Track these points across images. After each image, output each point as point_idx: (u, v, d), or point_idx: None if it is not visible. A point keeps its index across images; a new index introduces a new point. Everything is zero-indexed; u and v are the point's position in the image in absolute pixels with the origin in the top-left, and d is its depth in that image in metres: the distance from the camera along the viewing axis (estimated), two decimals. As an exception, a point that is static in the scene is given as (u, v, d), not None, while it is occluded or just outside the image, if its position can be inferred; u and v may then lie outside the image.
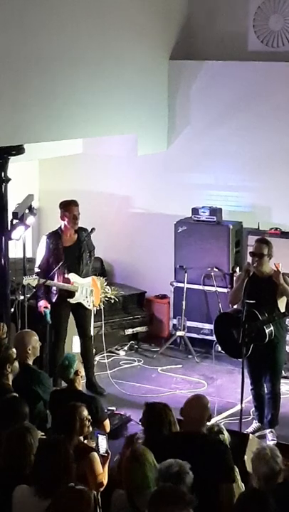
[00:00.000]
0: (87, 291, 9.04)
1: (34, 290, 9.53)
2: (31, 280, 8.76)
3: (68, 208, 8.98)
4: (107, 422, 6.73)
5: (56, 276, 8.85)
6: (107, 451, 5.85)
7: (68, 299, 8.92)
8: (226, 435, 5.86)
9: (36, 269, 8.97)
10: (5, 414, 5.68)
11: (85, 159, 11.09)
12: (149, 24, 10.30)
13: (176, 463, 4.83)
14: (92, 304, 9.12)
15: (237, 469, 5.56)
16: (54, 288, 8.88)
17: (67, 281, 8.89)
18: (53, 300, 8.90)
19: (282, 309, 7.95)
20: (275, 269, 8.17)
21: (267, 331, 7.76)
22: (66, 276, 8.88)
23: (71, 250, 8.98)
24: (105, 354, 9.88)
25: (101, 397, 8.60)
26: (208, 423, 5.70)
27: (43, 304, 8.81)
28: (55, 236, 8.98)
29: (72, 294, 8.92)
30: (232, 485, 5.27)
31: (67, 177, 11.42)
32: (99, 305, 9.55)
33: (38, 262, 9.04)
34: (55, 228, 9.13)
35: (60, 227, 9.04)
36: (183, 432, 5.61)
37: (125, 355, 10.25)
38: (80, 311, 9.08)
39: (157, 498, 4.25)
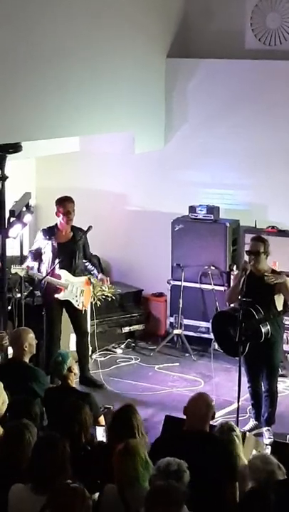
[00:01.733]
0: (78, 290, 9.03)
1: (31, 288, 9.54)
2: (19, 270, 8.78)
3: (62, 203, 9.05)
4: (102, 419, 6.73)
5: (46, 271, 8.89)
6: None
7: (55, 295, 8.91)
8: (238, 432, 5.83)
9: (30, 262, 8.95)
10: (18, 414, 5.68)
11: (81, 157, 11.08)
12: (146, 22, 10.30)
13: (174, 461, 4.83)
14: (81, 304, 9.09)
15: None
16: (42, 283, 8.90)
17: (58, 277, 8.90)
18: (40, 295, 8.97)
19: (280, 307, 7.96)
20: (273, 267, 8.19)
21: (263, 329, 7.76)
22: (57, 272, 8.89)
23: (65, 247, 9.00)
24: (99, 352, 9.88)
25: (100, 392, 8.63)
26: (212, 421, 5.68)
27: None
28: (50, 231, 9.04)
29: (59, 290, 8.91)
30: (235, 484, 5.26)
31: (64, 175, 11.41)
32: (95, 303, 9.56)
33: (28, 257, 9.05)
34: (47, 226, 9.19)
35: (56, 224, 9.07)
36: (186, 431, 5.58)
37: (122, 353, 10.25)
38: (71, 308, 9.09)
39: (155, 495, 4.26)
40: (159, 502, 4.27)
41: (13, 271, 8.84)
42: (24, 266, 8.86)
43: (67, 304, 9.06)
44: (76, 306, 9.06)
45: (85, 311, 9.24)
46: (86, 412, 5.81)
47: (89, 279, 9.25)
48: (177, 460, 4.83)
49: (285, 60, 10.15)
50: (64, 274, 8.94)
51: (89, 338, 9.40)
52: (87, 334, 9.33)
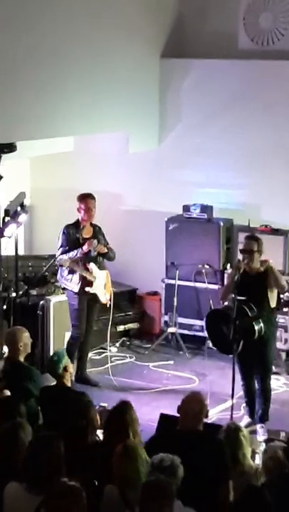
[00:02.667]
0: (102, 284, 9.14)
1: (26, 288, 9.58)
2: (66, 261, 8.86)
3: (84, 200, 9.13)
4: (97, 418, 6.75)
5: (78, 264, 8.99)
6: None
7: (87, 288, 9.00)
8: (245, 432, 5.87)
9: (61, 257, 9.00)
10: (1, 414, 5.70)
11: (76, 157, 11.11)
12: (140, 22, 10.33)
13: (167, 457, 4.86)
14: (104, 298, 9.21)
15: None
16: (76, 278, 8.96)
17: (88, 270, 8.99)
18: (75, 290, 8.99)
19: (273, 304, 8.01)
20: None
21: (256, 327, 7.80)
22: (87, 265, 8.99)
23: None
24: (93, 351, 9.91)
25: (95, 391, 8.66)
26: (206, 420, 5.72)
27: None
28: (74, 227, 9.11)
29: (90, 283, 9.01)
30: (229, 483, 5.29)
31: (58, 175, 11.44)
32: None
33: (58, 253, 9.06)
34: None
35: (77, 219, 9.15)
36: (180, 430, 5.61)
37: (117, 352, 10.28)
38: (91, 302, 9.17)
39: (146, 491, 4.32)
40: (151, 497, 4.33)
41: (57, 262, 8.96)
42: (67, 257, 8.90)
43: (90, 299, 9.14)
44: (102, 299, 9.17)
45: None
46: (94, 411, 5.84)
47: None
48: (170, 456, 4.86)
49: (278, 59, 10.19)
50: (93, 267, 9.04)
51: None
52: (92, 332, 9.41)
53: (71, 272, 9.02)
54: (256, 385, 8.17)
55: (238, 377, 7.97)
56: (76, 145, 10.73)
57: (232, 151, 10.53)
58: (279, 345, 9.66)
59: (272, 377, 8.49)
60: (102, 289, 9.20)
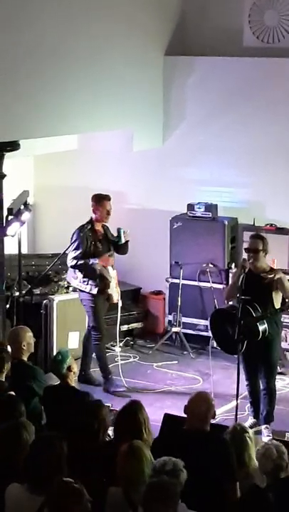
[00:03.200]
0: (114, 283, 9.14)
1: (29, 287, 9.53)
2: (99, 265, 8.85)
3: (102, 202, 9.10)
4: (108, 418, 6.70)
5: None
6: None
7: (105, 290, 8.98)
8: (251, 433, 5.83)
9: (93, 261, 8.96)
10: (1, 413, 5.66)
11: (80, 155, 11.07)
12: (144, 20, 10.29)
13: (170, 460, 4.82)
14: (116, 297, 9.21)
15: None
16: (91, 280, 8.94)
17: (106, 270, 9.01)
18: (94, 292, 8.94)
19: (277, 305, 7.96)
20: (272, 265, 8.18)
21: (260, 328, 7.75)
22: (107, 266, 9.01)
23: (104, 241, 9.13)
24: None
25: (98, 391, 8.63)
26: (213, 420, 5.67)
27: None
28: (89, 227, 9.05)
29: (108, 284, 9.00)
30: (236, 484, 5.25)
31: (62, 173, 11.41)
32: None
33: (73, 254, 8.96)
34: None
35: (91, 219, 9.09)
36: (186, 430, 5.56)
37: (121, 351, 10.24)
38: (105, 304, 9.17)
39: (149, 492, 4.29)
40: (154, 497, 4.30)
41: (96, 265, 8.90)
42: (76, 253, 8.87)
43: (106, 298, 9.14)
44: (115, 299, 9.17)
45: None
46: (106, 413, 5.80)
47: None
48: (173, 459, 4.82)
49: (283, 57, 10.15)
50: (109, 268, 9.04)
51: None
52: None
53: (87, 275, 8.93)
54: (261, 386, 8.12)
55: (242, 377, 7.92)
56: (80, 143, 10.70)
57: (236, 148, 10.48)
58: (284, 345, 9.62)
59: (277, 377, 8.45)
60: (115, 288, 9.17)
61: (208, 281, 10.28)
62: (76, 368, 6.92)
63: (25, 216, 8.86)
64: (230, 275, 9.89)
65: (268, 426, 8.04)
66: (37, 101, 8.66)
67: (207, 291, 10.31)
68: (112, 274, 9.12)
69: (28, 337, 7.16)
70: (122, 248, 9.26)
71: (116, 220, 11.08)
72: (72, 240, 9.02)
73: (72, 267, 9.08)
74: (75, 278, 9.11)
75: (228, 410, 8.24)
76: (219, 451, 5.28)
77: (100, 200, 9.12)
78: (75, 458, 4.97)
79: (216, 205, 10.38)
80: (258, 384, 8.14)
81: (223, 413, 8.19)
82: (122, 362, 9.78)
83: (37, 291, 9.75)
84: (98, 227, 9.13)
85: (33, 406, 6.71)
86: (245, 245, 8.40)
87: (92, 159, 11.17)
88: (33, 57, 8.53)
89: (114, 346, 10.38)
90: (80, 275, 9.02)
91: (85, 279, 8.98)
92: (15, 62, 8.34)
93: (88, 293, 9.02)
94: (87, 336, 9.31)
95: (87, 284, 8.98)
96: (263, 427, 8.05)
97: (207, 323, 9.14)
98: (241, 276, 7.75)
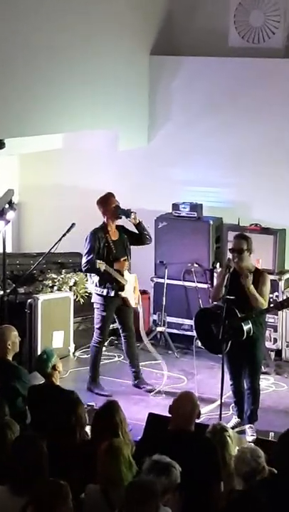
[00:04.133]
0: (132, 287, 9.07)
1: (14, 286, 9.51)
2: (102, 264, 8.74)
3: (108, 201, 8.96)
4: (85, 416, 6.70)
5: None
6: None
7: (119, 292, 8.90)
8: (231, 432, 5.83)
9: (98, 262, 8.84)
10: None
11: (65, 154, 11.06)
12: (130, 19, 10.29)
13: (163, 458, 4.81)
14: (133, 302, 9.13)
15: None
16: (109, 282, 8.84)
17: (121, 273, 8.91)
18: (111, 294, 8.86)
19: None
20: (256, 264, 8.19)
21: (245, 328, 7.76)
22: (122, 271, 8.91)
23: (119, 244, 9.00)
24: (81, 350, 9.85)
25: (83, 390, 8.61)
26: (197, 420, 5.67)
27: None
28: (102, 231, 8.95)
29: (122, 287, 8.92)
30: (220, 483, 5.25)
31: (47, 172, 11.39)
32: (78, 301, 9.53)
33: (85, 259, 8.85)
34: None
35: (104, 223, 9.00)
36: (171, 430, 5.56)
37: (105, 351, 10.21)
38: (122, 307, 9.06)
39: (130, 492, 4.28)
40: (135, 498, 4.28)
41: (97, 266, 8.74)
42: (89, 258, 8.76)
43: (122, 303, 9.04)
44: (132, 303, 9.08)
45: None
46: (83, 409, 5.80)
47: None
48: (163, 457, 4.81)
49: (268, 57, 10.17)
50: (125, 271, 8.95)
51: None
52: (134, 335, 9.32)
53: (103, 278, 8.86)
54: (245, 385, 8.13)
55: (226, 376, 7.93)
56: (65, 142, 10.69)
57: (221, 149, 10.50)
58: (268, 344, 9.65)
59: (262, 377, 8.47)
60: (132, 292, 9.08)
61: (193, 281, 10.29)
62: (61, 367, 6.90)
63: (10, 215, 8.85)
64: (215, 275, 9.90)
65: (252, 425, 8.04)
66: (22, 100, 8.65)
67: (192, 290, 10.32)
68: (129, 278, 9.01)
69: (14, 336, 7.15)
70: (141, 238, 9.07)
71: (101, 219, 11.09)
72: (85, 245, 8.92)
73: (85, 271, 9.03)
74: (92, 283, 9.05)
75: (213, 410, 8.25)
76: (204, 451, 5.28)
77: (105, 201, 8.98)
78: (53, 456, 4.97)
79: (201, 205, 10.39)
80: (242, 384, 8.15)
81: (207, 413, 8.19)
82: (107, 361, 9.78)
83: (21, 290, 9.73)
84: (112, 229, 8.99)
85: (16, 406, 6.70)
86: (230, 245, 8.40)
87: (78, 158, 11.15)
88: (19, 57, 8.52)
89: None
90: (95, 279, 8.94)
91: (101, 283, 8.90)
92: (1, 61, 8.32)
93: (102, 296, 8.91)
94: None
95: (104, 287, 8.90)
96: (247, 426, 8.06)
97: (192, 322, 9.14)
98: (226, 276, 7.76)
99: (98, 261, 8.76)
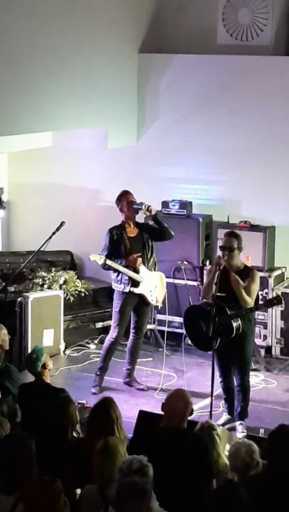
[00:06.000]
0: (152, 285, 9.02)
1: (4, 284, 9.51)
2: (98, 258, 8.74)
3: (123, 198, 8.97)
4: (76, 414, 6.71)
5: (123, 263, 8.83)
6: None
7: (132, 288, 8.88)
8: (219, 431, 5.83)
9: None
10: None
11: (55, 152, 11.05)
12: (118, 17, 10.28)
13: (135, 459, 4.80)
14: (154, 299, 9.09)
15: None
16: (125, 278, 8.83)
17: (136, 271, 8.87)
18: (126, 290, 8.86)
19: (251, 303, 7.98)
20: (246, 262, 8.20)
21: (234, 325, 7.78)
22: (138, 267, 8.88)
23: (136, 241, 8.97)
24: (72, 348, 9.84)
25: (74, 387, 8.61)
26: (190, 417, 5.68)
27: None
28: (119, 228, 8.96)
29: (137, 283, 8.89)
30: (212, 481, 5.26)
31: (36, 170, 11.37)
32: (68, 299, 9.51)
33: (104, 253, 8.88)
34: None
35: (122, 220, 9.00)
36: (163, 427, 5.56)
37: (96, 349, 10.23)
38: (140, 303, 9.06)
39: (123, 492, 4.28)
40: (126, 498, 4.28)
41: (92, 258, 8.76)
42: (103, 255, 8.78)
43: (140, 299, 9.02)
44: (150, 300, 9.04)
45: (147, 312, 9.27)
46: (74, 408, 5.80)
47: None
48: (137, 457, 4.73)
49: (256, 55, 10.18)
50: (142, 268, 8.91)
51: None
52: (142, 336, 9.32)
53: (119, 274, 8.86)
54: (235, 382, 8.15)
55: (216, 374, 7.95)
56: (54, 141, 10.67)
57: (211, 147, 10.50)
58: (258, 341, 9.67)
59: (251, 374, 8.49)
60: (150, 290, 9.01)
61: (183, 279, 10.30)
62: (51, 365, 6.91)
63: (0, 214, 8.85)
64: (205, 272, 9.92)
65: (242, 422, 8.06)
66: (11, 98, 8.63)
67: (182, 288, 10.33)
68: (148, 275, 8.96)
69: (3, 334, 7.16)
70: (161, 233, 9.04)
71: (91, 217, 11.11)
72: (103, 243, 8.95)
73: (103, 269, 9.03)
74: (112, 280, 9.05)
75: (203, 407, 8.26)
76: (197, 449, 5.29)
77: (120, 198, 8.99)
78: (45, 454, 4.97)
79: (191, 203, 10.40)
80: (232, 381, 8.17)
81: (197, 410, 8.18)
82: (97, 359, 9.78)
83: (12, 288, 9.72)
84: (130, 226, 8.98)
85: (7, 405, 6.70)
86: (220, 242, 8.41)
87: (67, 157, 11.14)
88: (7, 55, 8.50)
89: (89, 344, 10.40)
90: (114, 276, 8.95)
91: (117, 279, 8.92)
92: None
93: (119, 291, 8.92)
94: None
95: (121, 283, 8.90)
96: (238, 423, 8.08)
97: (182, 320, 9.14)
98: (217, 274, 7.77)
99: (92, 254, 8.76)
